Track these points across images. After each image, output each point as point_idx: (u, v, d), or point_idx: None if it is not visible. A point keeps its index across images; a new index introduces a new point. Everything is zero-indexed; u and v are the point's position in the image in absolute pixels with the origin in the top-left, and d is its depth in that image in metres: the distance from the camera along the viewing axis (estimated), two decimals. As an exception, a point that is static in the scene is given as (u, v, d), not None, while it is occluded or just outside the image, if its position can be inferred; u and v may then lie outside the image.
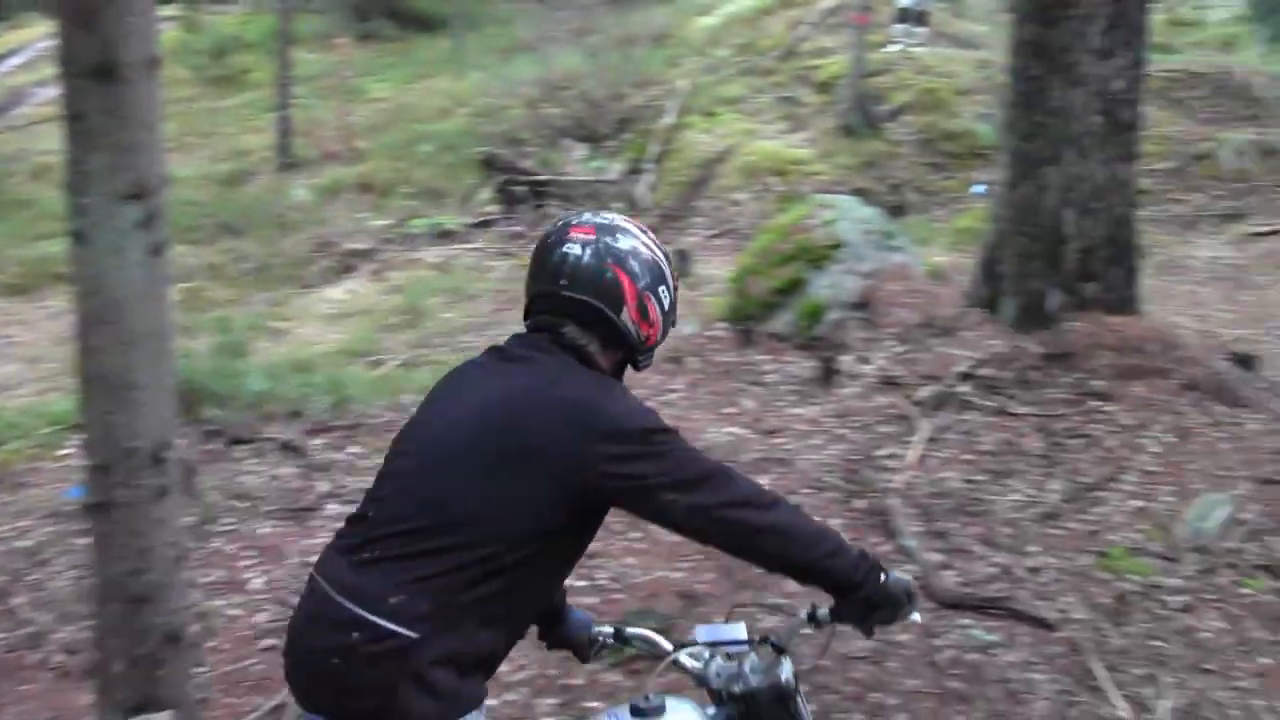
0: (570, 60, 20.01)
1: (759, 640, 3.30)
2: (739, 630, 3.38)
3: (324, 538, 6.56)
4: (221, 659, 5.41)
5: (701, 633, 3.37)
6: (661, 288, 3.16)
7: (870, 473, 7.42)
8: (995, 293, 8.96)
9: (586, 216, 3.17)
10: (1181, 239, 14.57)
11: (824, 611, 3.17)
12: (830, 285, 9.51)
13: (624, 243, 3.10)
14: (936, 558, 6.46)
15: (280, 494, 7.27)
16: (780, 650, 3.24)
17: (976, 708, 5.18)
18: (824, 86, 19.21)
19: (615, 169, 17.48)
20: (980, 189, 16.21)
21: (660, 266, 3.17)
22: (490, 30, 26.24)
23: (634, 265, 3.09)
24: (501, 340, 3.19)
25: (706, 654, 3.32)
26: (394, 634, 2.75)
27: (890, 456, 7.63)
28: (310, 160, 20.49)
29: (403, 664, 2.76)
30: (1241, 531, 6.57)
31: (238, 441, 7.96)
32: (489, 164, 17.03)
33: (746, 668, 3.25)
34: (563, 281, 3.05)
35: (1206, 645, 5.65)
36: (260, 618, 5.76)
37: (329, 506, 7.10)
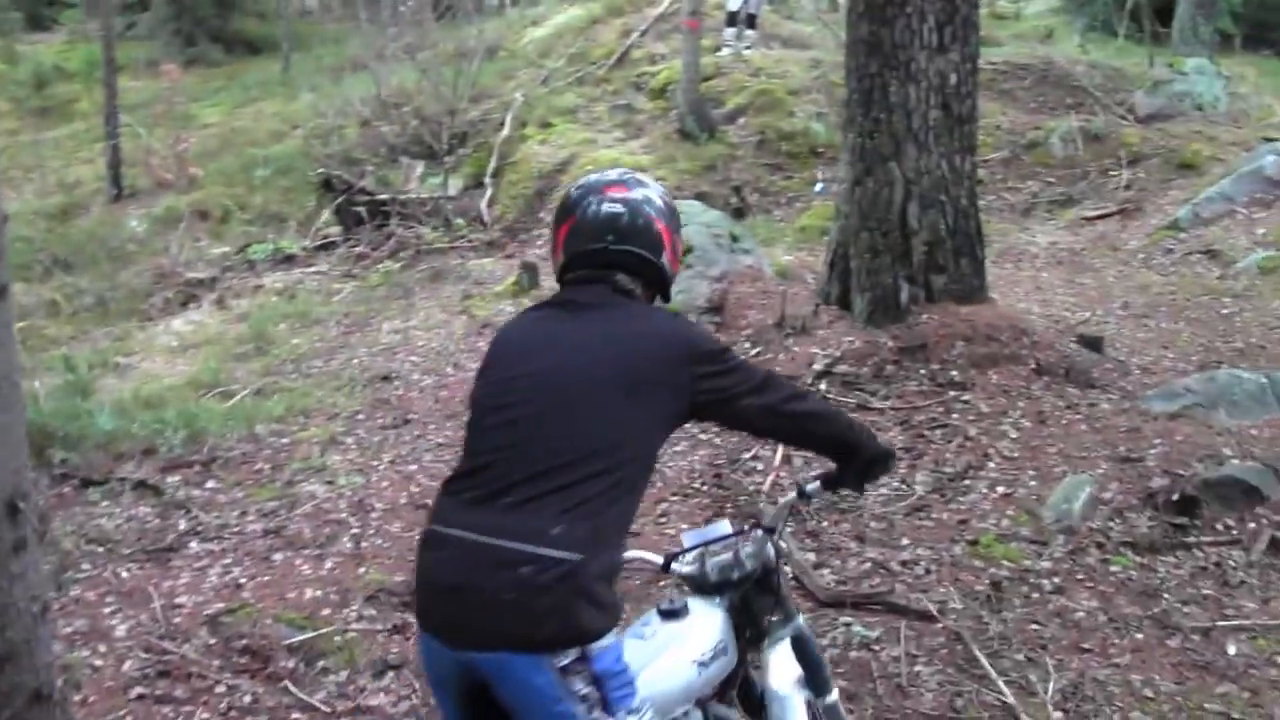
0: (403, 77, 19.80)
1: (747, 529, 3.85)
2: (723, 526, 3.91)
3: (188, 578, 6.42)
4: (90, 713, 5.19)
5: (688, 538, 3.86)
6: (680, 230, 3.68)
7: (737, 477, 7.41)
8: (846, 289, 9.03)
9: (612, 175, 3.64)
10: (1019, 226, 14.79)
11: (813, 485, 3.79)
12: (682, 291, 9.48)
13: (653, 195, 3.58)
14: (810, 557, 6.46)
15: (139, 535, 7.03)
16: (771, 531, 3.82)
17: (864, 704, 5.16)
18: (659, 93, 19.21)
19: (455, 185, 17.31)
20: (820, 187, 16.33)
21: (677, 211, 3.70)
22: (319, 50, 25.91)
23: (666, 214, 3.59)
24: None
25: (692, 556, 3.79)
26: (562, 560, 3.05)
27: (755, 458, 7.65)
28: (144, 190, 20.06)
29: (574, 585, 3.07)
30: (1105, 511, 6.67)
31: (90, 483, 7.70)
32: (327, 186, 16.73)
33: (742, 555, 3.73)
34: (610, 237, 3.48)
35: (1082, 625, 5.70)
36: (128, 666, 5.53)
37: (190, 545, 6.90)
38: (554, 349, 3.38)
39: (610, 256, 3.49)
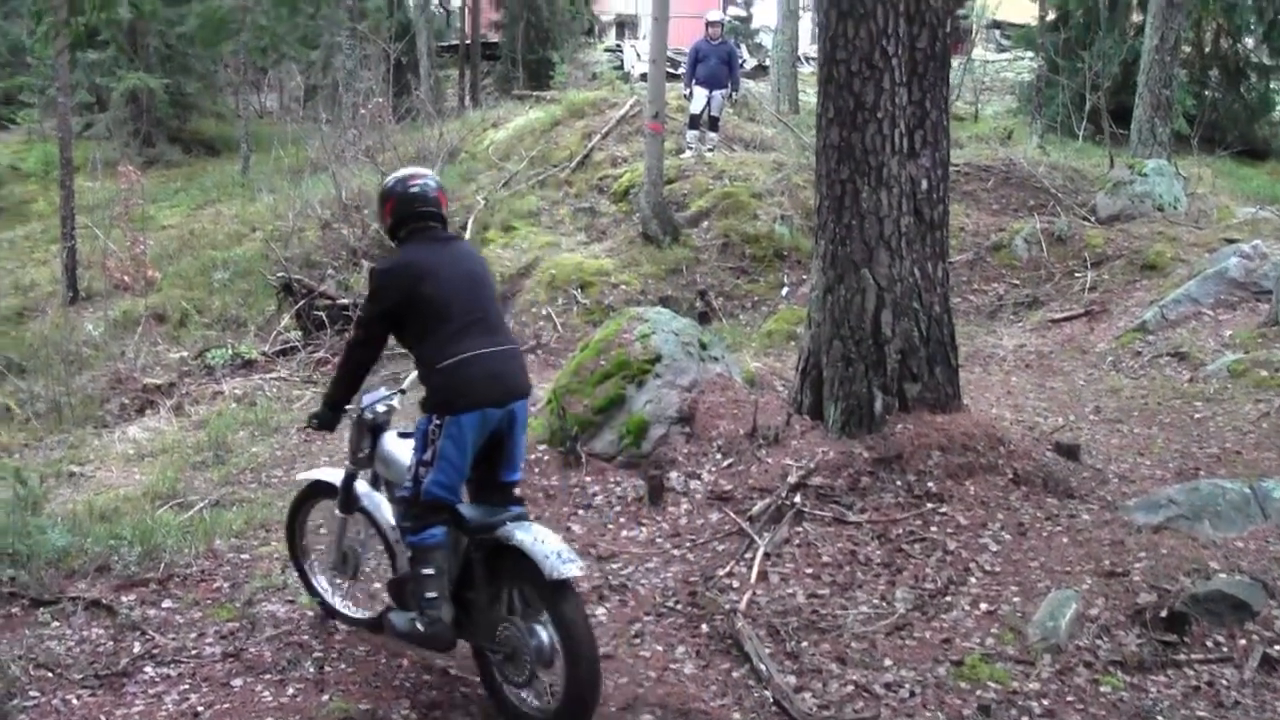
0: (363, 179, 19.72)
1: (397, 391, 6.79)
2: (381, 391, 6.76)
3: (142, 705, 6.19)
4: None
5: (364, 399, 6.58)
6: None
7: (712, 594, 7.23)
8: (818, 399, 8.90)
9: (411, 168, 6.52)
10: (987, 329, 14.75)
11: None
12: (651, 400, 9.33)
13: (432, 179, 6.32)
14: (791, 680, 6.29)
15: (90, 659, 6.77)
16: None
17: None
18: (622, 195, 19.19)
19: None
20: (786, 291, 16.28)
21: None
22: (279, 151, 25.84)
23: (440, 186, 6.37)
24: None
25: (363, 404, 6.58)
26: (519, 351, 6.27)
27: (730, 575, 7.48)
28: (100, 292, 19.90)
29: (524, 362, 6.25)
30: (1092, 628, 6.53)
31: (40, 603, 7.44)
32: (287, 289, 16.57)
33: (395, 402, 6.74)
34: (432, 201, 6.23)
35: (1077, 752, 5.52)
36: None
37: (145, 669, 6.64)
38: (459, 261, 6.14)
39: (436, 214, 6.26)
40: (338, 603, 7.14)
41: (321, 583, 7.24)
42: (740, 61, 23.40)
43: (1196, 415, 10.54)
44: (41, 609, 7.38)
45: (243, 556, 8.43)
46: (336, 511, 6.84)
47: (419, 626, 6.03)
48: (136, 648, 6.92)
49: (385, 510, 6.52)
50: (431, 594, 5.93)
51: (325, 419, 6.45)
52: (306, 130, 26.43)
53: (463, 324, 5.83)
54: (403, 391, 6.72)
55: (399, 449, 6.40)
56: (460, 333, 5.81)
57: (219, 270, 19.44)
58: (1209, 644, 6.38)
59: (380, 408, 6.55)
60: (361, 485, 6.72)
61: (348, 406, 6.44)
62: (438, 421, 5.81)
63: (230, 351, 15.54)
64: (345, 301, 15.75)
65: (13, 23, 37.00)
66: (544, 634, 5.68)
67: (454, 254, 6.11)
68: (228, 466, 11.10)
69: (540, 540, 5.62)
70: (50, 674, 6.56)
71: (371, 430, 6.57)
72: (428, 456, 5.86)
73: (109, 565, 7.99)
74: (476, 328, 5.87)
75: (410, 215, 6.14)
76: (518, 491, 6.26)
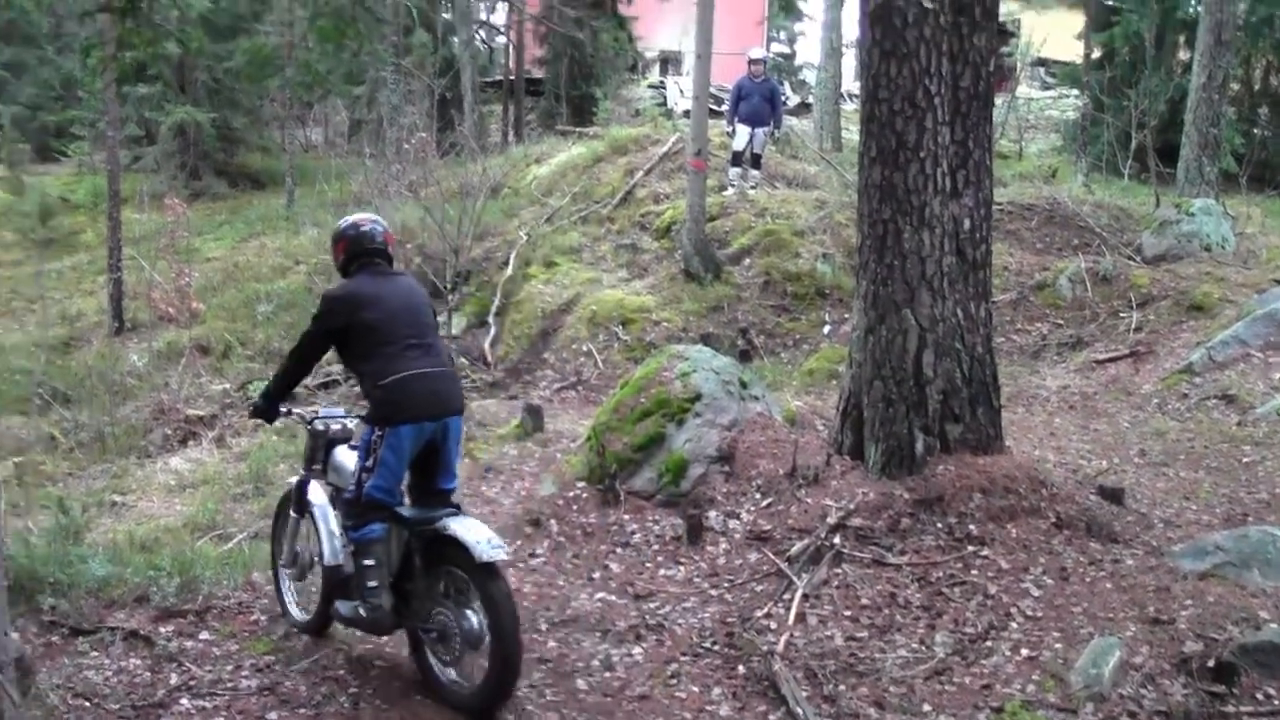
0: (406, 214, 19.76)
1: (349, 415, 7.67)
2: (339, 410, 7.75)
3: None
4: None
5: (322, 410, 7.70)
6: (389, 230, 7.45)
7: (749, 635, 7.18)
8: (859, 439, 8.82)
9: (360, 214, 7.51)
10: (1030, 369, 14.64)
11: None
12: (691, 439, 9.31)
13: (380, 223, 7.24)
14: (828, 727, 6.18)
15: (128, 689, 6.76)
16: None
17: None
18: (664, 232, 19.18)
19: (459, 324, 17.21)
20: (828, 329, 16.21)
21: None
22: (323, 185, 25.96)
23: (386, 229, 7.28)
24: None
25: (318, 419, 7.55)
26: (454, 374, 7.17)
27: (768, 616, 7.43)
28: (145, 323, 19.99)
29: (459, 381, 7.36)
30: (1136, 677, 6.41)
31: (80, 632, 7.44)
32: (330, 323, 16.62)
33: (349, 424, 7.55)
34: (379, 242, 7.12)
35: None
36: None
37: (182, 701, 6.62)
38: (400, 293, 6.94)
39: (382, 252, 7.15)
40: (290, 605, 7.76)
41: (288, 586, 7.84)
42: (783, 99, 23.39)
43: (1245, 459, 10.42)
44: (80, 638, 7.38)
45: (280, 590, 8.43)
46: (291, 512, 7.65)
47: (362, 613, 6.85)
48: (173, 679, 6.92)
49: (330, 514, 7.32)
50: (372, 583, 6.74)
51: (261, 410, 7.41)
52: (351, 165, 26.59)
53: (402, 347, 6.70)
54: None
55: (348, 459, 7.20)
56: (399, 355, 6.67)
57: (262, 303, 19.50)
58: (1259, 696, 6.23)
59: (335, 425, 7.48)
60: (315, 491, 7.52)
61: (312, 422, 7.51)
62: (379, 432, 6.68)
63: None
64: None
65: (65, 57, 37.37)
66: (474, 618, 6.43)
67: (396, 286, 6.98)
68: (268, 499, 11.12)
69: (471, 529, 6.40)
70: (88, 703, 6.55)
71: (326, 443, 7.47)
72: (369, 463, 6.75)
73: (148, 596, 7.98)
74: (414, 351, 6.73)
75: (360, 253, 7.08)
76: (455, 498, 7.00)
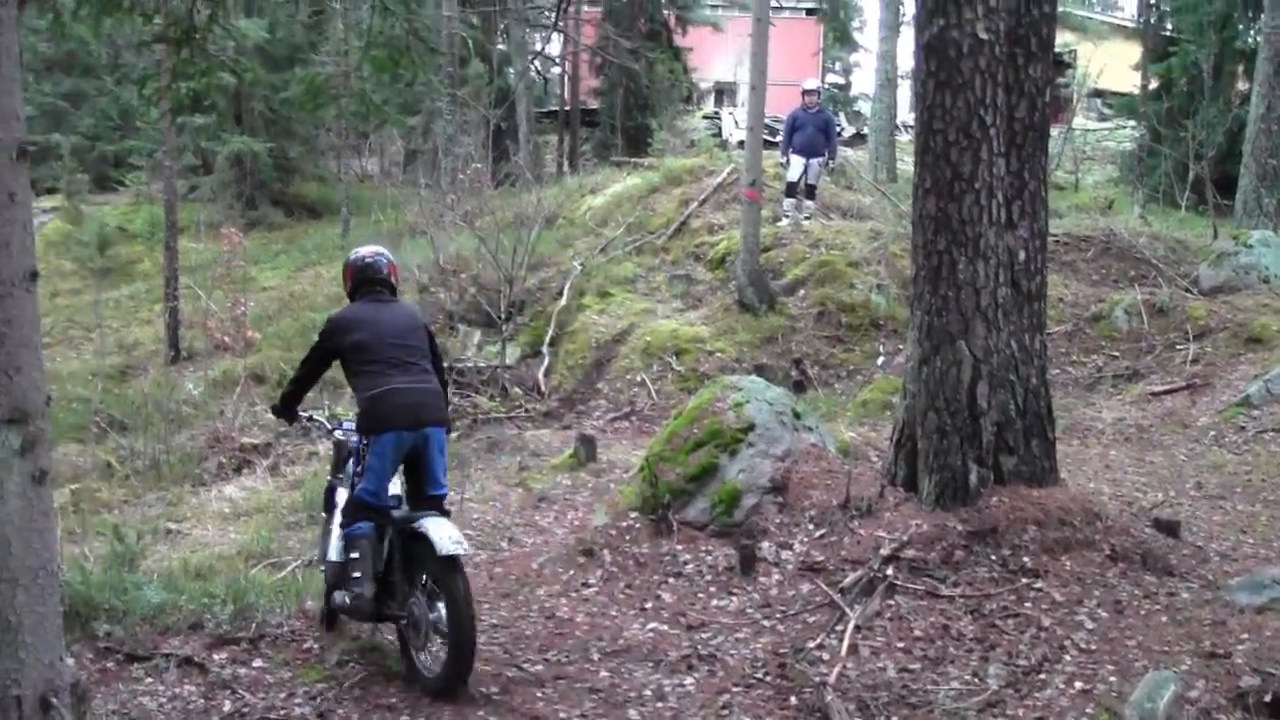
0: (461, 244, 19.84)
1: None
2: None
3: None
4: None
5: (345, 423, 8.29)
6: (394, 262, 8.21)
7: (801, 666, 7.14)
8: (912, 470, 8.78)
9: (370, 247, 8.25)
10: (1085, 401, 14.55)
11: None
12: (744, 470, 9.31)
13: (384, 256, 8.05)
14: (881, 759, 6.15)
15: (182, 716, 6.81)
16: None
17: None
18: (718, 263, 19.21)
19: (513, 354, 17.26)
20: (882, 360, 16.18)
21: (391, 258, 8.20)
22: (378, 215, 26.13)
23: (389, 259, 8.06)
24: None
25: (339, 430, 8.34)
26: (440, 389, 7.67)
27: (820, 647, 7.39)
28: (201, 352, 20.13)
29: (446, 399, 7.81)
30: (1192, 711, 6.31)
31: (134, 659, 7.48)
32: (384, 352, 16.70)
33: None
34: (384, 273, 7.92)
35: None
36: None
37: (232, 730, 6.65)
38: (391, 319, 7.71)
39: (385, 281, 7.96)
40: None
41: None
42: (838, 130, 23.39)
43: (1303, 493, 10.33)
44: (135, 664, 7.43)
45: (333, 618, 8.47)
46: (324, 514, 8.66)
47: (347, 600, 7.53)
48: (227, 706, 6.95)
49: (339, 516, 7.97)
50: (357, 574, 7.42)
51: (279, 412, 8.41)
52: (406, 194, 26.71)
53: (387, 365, 7.47)
54: None
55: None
56: (382, 372, 7.45)
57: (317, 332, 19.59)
58: (1315, 731, 6.18)
59: (354, 438, 7.97)
60: (339, 495, 8.22)
61: (334, 434, 8.48)
62: (365, 441, 7.54)
63: (327, 412, 15.60)
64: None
65: (123, 87, 37.76)
66: (442, 609, 7.11)
67: (390, 312, 7.81)
68: (321, 527, 11.16)
69: (438, 527, 7.13)
70: (141, 730, 6.61)
71: (347, 453, 8.19)
72: (359, 469, 7.62)
73: (202, 623, 8.03)
74: (398, 368, 7.49)
75: (363, 281, 7.96)
76: (446, 505, 7.79)
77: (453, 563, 7.01)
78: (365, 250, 8.14)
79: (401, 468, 7.67)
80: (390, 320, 7.69)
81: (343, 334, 7.65)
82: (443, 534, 7.04)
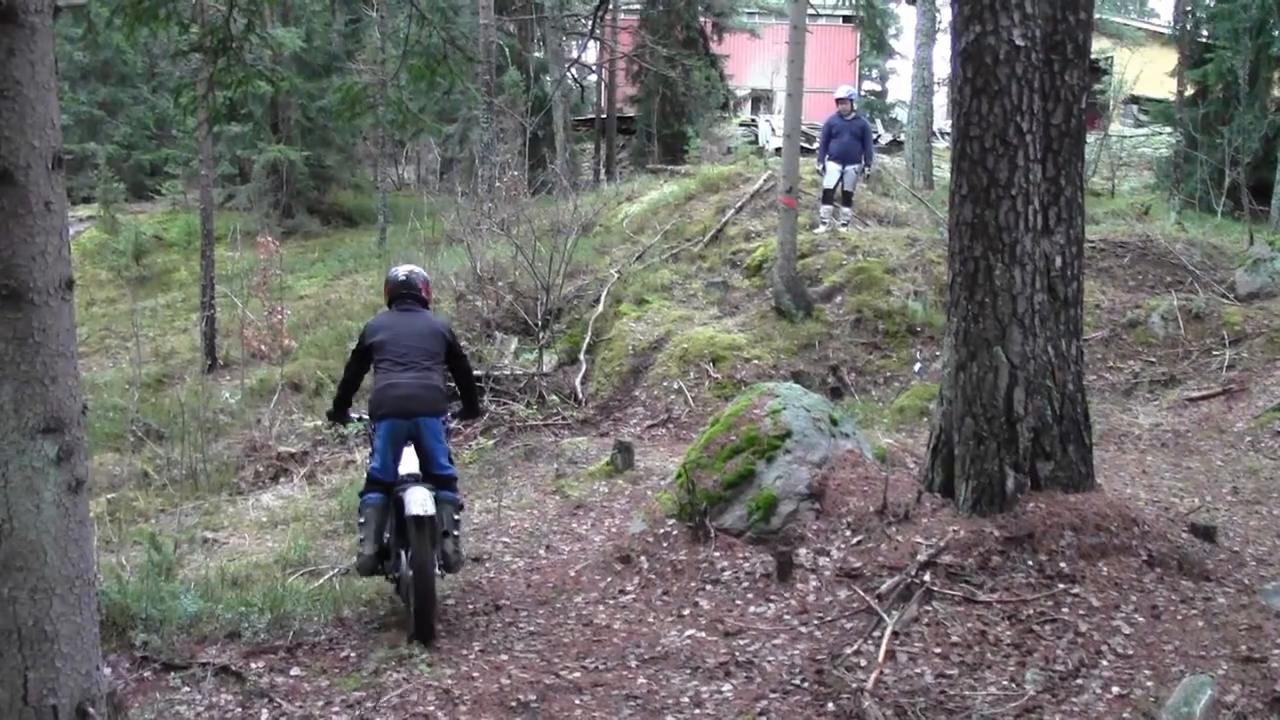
0: (498, 251, 19.91)
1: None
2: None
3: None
4: None
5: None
6: (428, 282, 9.70)
7: (839, 672, 7.15)
8: (949, 476, 8.79)
9: (406, 266, 9.75)
10: (1121, 407, 14.51)
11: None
12: (781, 476, 9.33)
13: (418, 272, 9.53)
14: (917, 763, 6.15)
15: (218, 726, 6.86)
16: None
17: None
18: (755, 270, 19.21)
19: (550, 361, 17.29)
20: (919, 367, 16.16)
21: (427, 276, 9.74)
22: (415, 223, 26.21)
23: (425, 279, 9.56)
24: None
25: None
26: (440, 388, 8.90)
27: (858, 653, 7.40)
28: (237, 361, 20.24)
29: (442, 393, 8.93)
30: (1228, 715, 6.35)
31: (172, 668, 7.58)
32: (420, 360, 16.75)
33: None
34: (414, 288, 9.35)
35: None
36: None
37: (271, 738, 6.70)
38: (411, 325, 9.03)
39: (414, 293, 9.28)
40: None
41: None
42: (875, 136, 23.36)
43: (1339, 498, 10.29)
44: (173, 673, 7.51)
45: (370, 626, 8.51)
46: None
47: (355, 558, 9.13)
48: (264, 715, 7.03)
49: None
50: (362, 536, 8.78)
51: (333, 416, 9.87)
52: (443, 202, 26.78)
53: (394, 363, 8.87)
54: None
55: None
56: (389, 369, 8.85)
57: (354, 340, 19.65)
58: (1351, 735, 6.17)
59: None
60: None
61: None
62: (372, 426, 9.00)
63: (363, 421, 15.66)
64: (478, 372, 15.86)
65: (160, 96, 37.99)
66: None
67: (411, 320, 9.21)
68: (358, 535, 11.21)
69: (413, 494, 8.46)
70: (178, 739, 6.66)
71: None
72: (370, 450, 9.21)
73: (239, 632, 8.11)
74: (402, 366, 8.85)
75: (397, 295, 9.42)
76: (451, 480, 8.99)
77: (418, 523, 8.24)
78: (401, 269, 9.62)
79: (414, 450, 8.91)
80: (408, 327, 9.10)
81: (369, 336, 9.10)
82: (414, 498, 8.37)
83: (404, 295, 9.33)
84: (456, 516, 8.89)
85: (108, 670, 6.76)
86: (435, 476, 8.78)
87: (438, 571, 8.47)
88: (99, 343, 24.49)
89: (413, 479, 8.71)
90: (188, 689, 7.31)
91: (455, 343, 9.33)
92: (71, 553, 3.72)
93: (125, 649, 7.62)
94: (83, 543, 3.78)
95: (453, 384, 9.47)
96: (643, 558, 9.32)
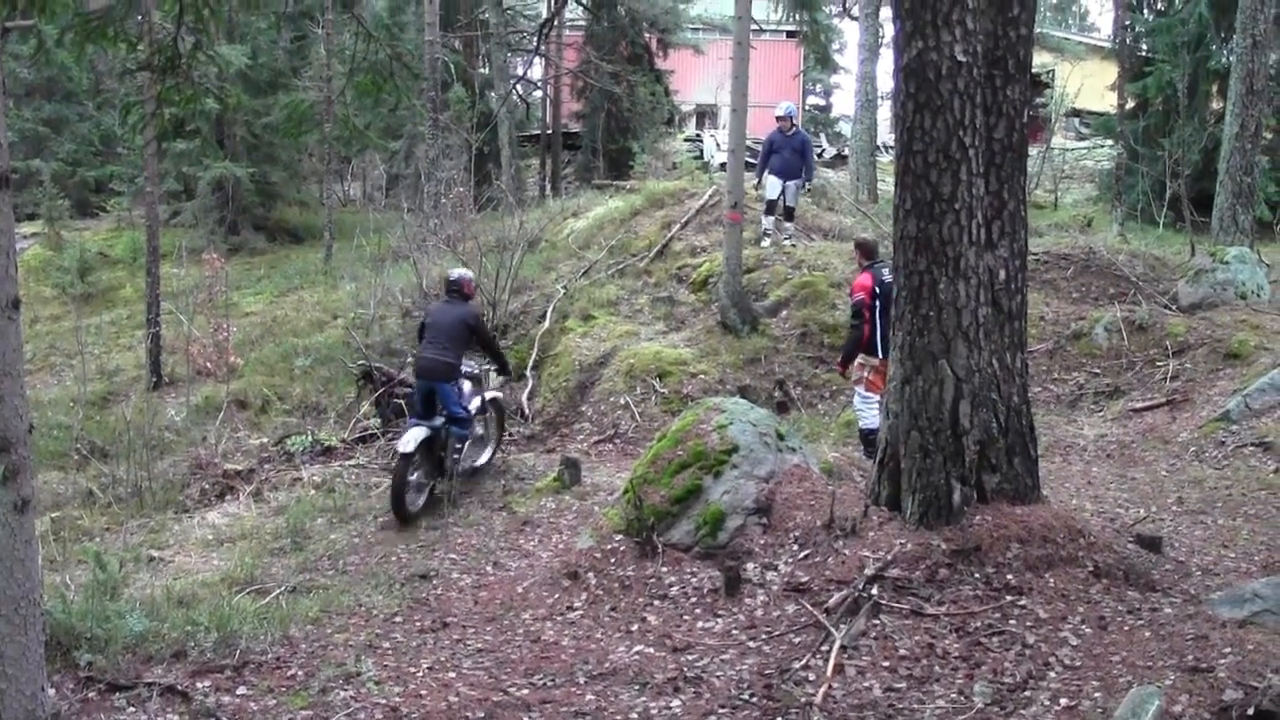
0: (443, 267, 19.81)
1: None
2: (472, 364, 13.81)
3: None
4: None
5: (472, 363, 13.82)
6: (472, 281, 14.23)
7: (788, 687, 7.17)
8: (896, 490, 8.83)
9: (460, 269, 14.20)
10: (1067, 418, 14.63)
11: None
12: (728, 491, 9.36)
13: (465, 273, 13.85)
14: (866, 777, 6.17)
15: (163, 748, 6.81)
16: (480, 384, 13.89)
17: None
18: (700, 285, 19.22)
19: (495, 378, 17.25)
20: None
21: (471, 276, 14.36)
22: (362, 239, 26.12)
23: (468, 279, 13.79)
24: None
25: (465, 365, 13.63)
26: (451, 362, 12.81)
27: (806, 668, 7.41)
28: (183, 378, 20.07)
29: (453, 366, 12.87)
30: (1176, 727, 6.35)
31: (117, 688, 7.47)
32: (367, 377, 16.66)
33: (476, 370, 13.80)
34: (457, 285, 13.39)
35: None
36: None
37: (216, 760, 6.65)
38: (443, 314, 13.00)
39: (453, 290, 13.30)
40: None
41: None
42: (818, 150, 23.42)
43: (1283, 507, 10.39)
44: (118, 694, 7.41)
45: (317, 644, 8.46)
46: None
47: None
48: (210, 736, 6.95)
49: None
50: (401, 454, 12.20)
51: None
52: (389, 219, 26.73)
53: (427, 342, 12.80)
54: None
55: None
56: (425, 346, 12.81)
57: (300, 357, 19.55)
58: (1298, 744, 6.21)
59: (476, 369, 13.66)
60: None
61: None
62: (412, 384, 13.30)
63: (310, 438, 15.59)
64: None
65: (105, 113, 37.74)
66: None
67: (447, 310, 12.99)
68: (305, 553, 11.15)
69: (409, 430, 12.32)
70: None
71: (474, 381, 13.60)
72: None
73: (185, 651, 8.04)
74: (429, 344, 12.77)
75: (447, 289, 13.39)
76: (459, 419, 12.84)
77: (404, 458, 12.04)
78: (454, 271, 13.77)
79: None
80: (443, 315, 12.91)
81: (424, 319, 13.32)
82: (405, 435, 12.34)
83: (451, 290, 13.28)
84: (458, 445, 12.88)
85: (52, 691, 6.68)
86: (449, 416, 12.66)
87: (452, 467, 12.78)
88: (44, 360, 24.26)
89: (422, 422, 12.51)
90: (133, 709, 7.22)
91: (477, 325, 13.00)
92: (17, 573, 3.70)
93: (70, 669, 7.52)
94: (28, 562, 3.76)
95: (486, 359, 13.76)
96: (590, 574, 9.31)
